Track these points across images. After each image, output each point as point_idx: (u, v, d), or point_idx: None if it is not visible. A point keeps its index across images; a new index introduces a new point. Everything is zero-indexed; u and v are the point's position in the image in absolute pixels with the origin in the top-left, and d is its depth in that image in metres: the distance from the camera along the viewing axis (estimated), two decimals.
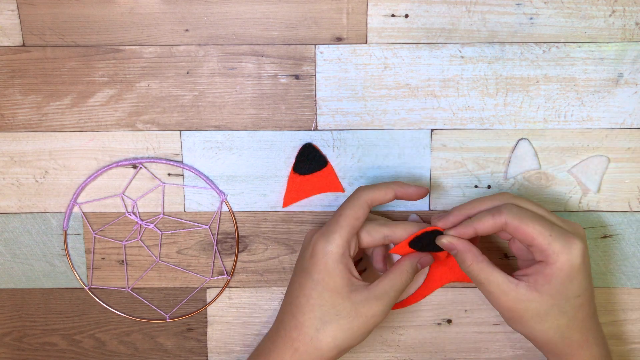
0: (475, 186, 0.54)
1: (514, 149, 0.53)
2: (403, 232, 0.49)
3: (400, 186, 0.49)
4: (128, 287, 0.56)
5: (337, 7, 0.51)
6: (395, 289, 0.48)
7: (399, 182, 0.49)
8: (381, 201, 0.48)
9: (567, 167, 0.53)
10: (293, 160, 0.53)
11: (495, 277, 0.46)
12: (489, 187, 0.54)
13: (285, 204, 0.54)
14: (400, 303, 0.56)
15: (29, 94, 0.53)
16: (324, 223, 0.54)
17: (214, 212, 0.55)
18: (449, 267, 0.54)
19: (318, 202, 0.54)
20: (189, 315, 0.57)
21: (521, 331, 0.48)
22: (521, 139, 0.52)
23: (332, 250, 0.47)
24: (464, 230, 0.47)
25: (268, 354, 0.49)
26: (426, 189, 0.49)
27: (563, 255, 0.44)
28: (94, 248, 0.55)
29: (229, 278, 0.56)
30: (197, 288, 0.56)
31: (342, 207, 0.48)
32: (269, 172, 0.54)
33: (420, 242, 0.49)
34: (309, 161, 0.53)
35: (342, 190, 0.54)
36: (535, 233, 0.45)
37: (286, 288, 0.52)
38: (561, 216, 0.54)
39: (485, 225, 0.46)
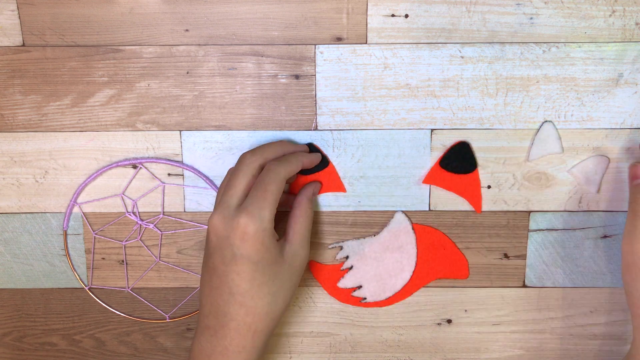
0: None
1: (537, 131, 0.52)
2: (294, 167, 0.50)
3: (306, 157, 0.51)
4: (128, 287, 0.56)
5: (337, 7, 0.51)
6: (309, 228, 0.51)
7: (302, 153, 0.51)
8: (293, 174, 0.50)
9: (567, 167, 0.53)
10: None
11: None
12: (489, 187, 0.54)
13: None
14: (388, 300, 0.55)
15: (29, 94, 0.53)
16: (321, 222, 0.54)
17: None
18: (438, 262, 0.54)
19: (318, 202, 0.54)
20: (189, 315, 0.57)
21: None
22: (545, 121, 0.52)
23: (267, 228, 0.46)
24: None
25: (226, 349, 0.48)
26: (318, 155, 0.52)
27: None
28: (94, 248, 0.55)
29: None
30: (197, 288, 0.56)
31: (264, 183, 0.46)
32: None
33: (452, 160, 0.51)
34: None
35: (344, 190, 0.54)
36: None
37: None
38: (560, 217, 0.54)
39: None
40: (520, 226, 0.54)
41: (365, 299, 0.56)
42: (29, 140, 0.53)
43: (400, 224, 0.54)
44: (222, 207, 0.47)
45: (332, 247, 0.55)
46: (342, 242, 0.55)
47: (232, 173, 0.49)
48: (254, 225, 0.46)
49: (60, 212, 0.55)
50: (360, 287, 0.55)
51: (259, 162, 0.48)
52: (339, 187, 0.54)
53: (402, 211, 0.54)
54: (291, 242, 0.49)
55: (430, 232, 0.54)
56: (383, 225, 0.54)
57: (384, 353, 0.57)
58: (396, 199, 0.54)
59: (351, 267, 0.55)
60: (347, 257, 0.55)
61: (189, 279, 0.56)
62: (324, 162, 0.53)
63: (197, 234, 0.55)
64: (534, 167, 0.53)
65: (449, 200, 0.54)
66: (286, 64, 0.52)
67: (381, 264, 0.55)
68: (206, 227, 0.55)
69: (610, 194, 0.54)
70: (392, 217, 0.54)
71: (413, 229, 0.54)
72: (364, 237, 0.55)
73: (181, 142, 0.53)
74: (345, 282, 0.55)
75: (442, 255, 0.54)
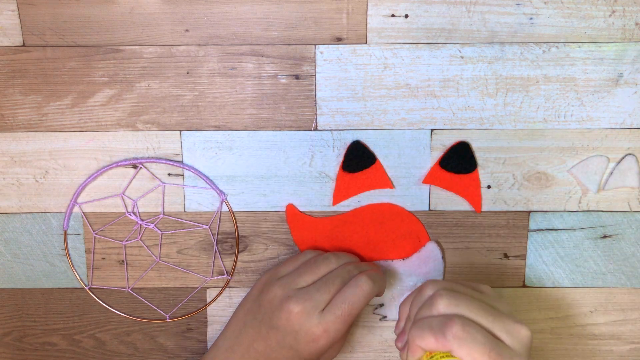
0: None
1: (619, 161, 0.52)
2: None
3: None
4: (128, 287, 0.56)
5: (337, 7, 0.51)
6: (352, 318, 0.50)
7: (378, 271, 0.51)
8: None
9: (567, 167, 0.53)
10: (342, 159, 0.53)
11: None
12: (488, 187, 0.54)
13: (335, 202, 0.54)
14: None
15: (29, 94, 0.53)
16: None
17: (214, 212, 0.55)
18: (399, 233, 0.55)
19: (318, 202, 0.54)
20: (189, 315, 0.57)
21: None
22: (629, 154, 0.52)
23: (337, 338, 0.49)
24: (412, 349, 0.42)
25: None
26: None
27: None
28: (94, 248, 0.55)
29: (229, 278, 0.56)
30: (197, 288, 0.56)
31: (355, 299, 0.48)
32: (269, 172, 0.54)
33: (452, 160, 0.52)
34: (358, 159, 0.53)
35: (392, 186, 0.54)
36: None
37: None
38: (560, 217, 0.54)
39: (429, 346, 0.41)
40: (520, 226, 0.54)
41: (385, 317, 0.56)
42: (29, 140, 0.53)
43: (432, 252, 0.54)
44: (309, 302, 0.47)
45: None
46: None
47: (320, 263, 0.50)
48: (326, 340, 0.47)
49: (61, 212, 0.55)
50: (381, 305, 0.56)
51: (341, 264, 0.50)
52: (385, 183, 0.53)
53: (436, 241, 0.54)
54: (331, 304, 0.48)
55: (380, 207, 0.54)
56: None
57: (384, 353, 0.57)
58: (396, 199, 0.54)
59: None
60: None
61: (189, 278, 0.56)
62: (371, 159, 0.53)
63: (197, 234, 0.55)
64: (534, 167, 0.53)
65: (449, 200, 0.54)
66: (286, 64, 0.52)
67: (405, 286, 0.55)
68: (206, 226, 0.55)
69: (610, 194, 0.54)
70: (425, 246, 0.54)
71: (443, 258, 0.55)
72: (393, 260, 0.55)
73: (181, 142, 0.53)
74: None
75: (399, 222, 0.54)
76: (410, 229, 0.54)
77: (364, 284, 0.48)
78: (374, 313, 0.56)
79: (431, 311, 0.42)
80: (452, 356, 0.39)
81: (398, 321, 0.47)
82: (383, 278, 0.51)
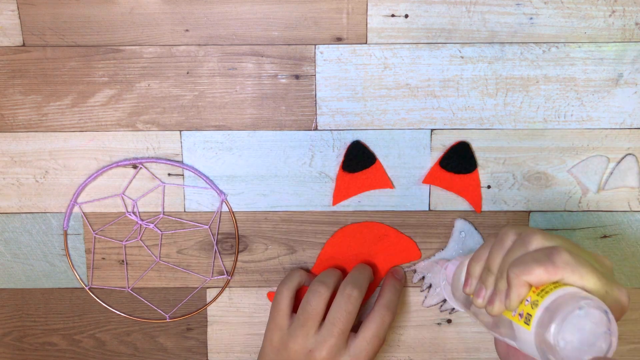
0: None
1: (619, 161, 0.52)
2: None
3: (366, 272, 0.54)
4: (128, 287, 0.56)
5: (337, 7, 0.51)
6: (384, 328, 0.52)
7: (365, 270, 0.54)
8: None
9: (567, 167, 0.53)
10: (342, 159, 0.53)
11: None
12: (489, 187, 0.54)
13: (335, 202, 0.54)
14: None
15: (29, 94, 0.53)
16: (322, 223, 0.55)
17: (214, 212, 0.55)
18: (389, 251, 0.55)
19: (318, 202, 0.54)
20: (189, 315, 0.57)
21: None
22: (629, 154, 0.52)
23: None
24: (517, 287, 0.40)
25: None
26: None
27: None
28: (94, 248, 0.55)
29: (229, 278, 0.56)
30: (197, 288, 0.56)
31: (341, 319, 0.50)
32: (269, 172, 0.54)
33: (452, 160, 0.52)
34: (358, 159, 0.53)
35: (392, 186, 0.54)
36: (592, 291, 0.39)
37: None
38: (560, 217, 0.54)
39: (538, 278, 0.39)
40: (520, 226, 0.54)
41: (454, 309, 0.56)
42: (29, 140, 0.53)
43: (463, 229, 0.54)
44: (304, 331, 0.50)
45: (406, 271, 0.55)
46: (414, 265, 0.55)
47: (311, 299, 0.51)
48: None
49: (61, 212, 0.55)
50: (444, 301, 0.56)
51: (331, 291, 0.51)
52: (385, 183, 0.53)
53: (461, 217, 0.54)
54: (360, 338, 0.51)
55: (368, 226, 0.54)
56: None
57: (384, 353, 0.57)
58: (396, 199, 0.54)
59: (430, 286, 0.55)
60: (423, 278, 0.55)
61: (189, 278, 0.56)
62: (371, 159, 0.53)
63: (197, 234, 0.55)
64: (534, 167, 0.53)
65: (449, 200, 0.54)
66: (286, 64, 0.52)
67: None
68: (206, 226, 0.55)
69: (610, 194, 0.54)
70: (453, 226, 0.54)
71: (476, 229, 0.54)
72: (434, 254, 0.55)
73: (181, 142, 0.53)
74: (430, 301, 0.56)
75: (389, 243, 0.55)
76: (401, 247, 0.55)
77: (385, 315, 0.51)
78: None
79: (527, 248, 0.41)
80: (562, 284, 0.39)
81: (467, 280, 0.45)
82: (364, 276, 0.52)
